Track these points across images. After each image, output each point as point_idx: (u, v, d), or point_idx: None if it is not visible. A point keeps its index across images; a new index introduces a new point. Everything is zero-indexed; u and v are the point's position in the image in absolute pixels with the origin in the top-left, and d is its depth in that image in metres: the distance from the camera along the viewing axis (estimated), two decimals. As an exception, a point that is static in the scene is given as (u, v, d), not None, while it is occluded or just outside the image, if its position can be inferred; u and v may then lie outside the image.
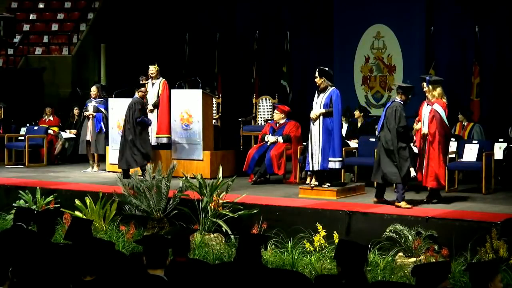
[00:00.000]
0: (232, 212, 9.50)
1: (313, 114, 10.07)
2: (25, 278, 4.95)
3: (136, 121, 11.96)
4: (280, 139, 11.92)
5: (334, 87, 10.12)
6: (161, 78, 12.80)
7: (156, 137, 12.70)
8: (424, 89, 9.71)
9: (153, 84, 12.81)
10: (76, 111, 15.38)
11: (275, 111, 12.42)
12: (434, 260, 7.82)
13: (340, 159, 10.08)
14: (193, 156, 12.22)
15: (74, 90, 16.77)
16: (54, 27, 18.79)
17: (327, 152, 9.99)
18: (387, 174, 9.47)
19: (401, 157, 9.38)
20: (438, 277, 4.94)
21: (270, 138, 11.97)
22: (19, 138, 15.05)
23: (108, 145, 13.32)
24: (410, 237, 8.27)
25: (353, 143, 12.33)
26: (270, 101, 14.85)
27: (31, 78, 17.31)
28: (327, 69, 10.22)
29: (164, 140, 12.65)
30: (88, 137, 13.45)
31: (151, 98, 12.80)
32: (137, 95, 12.18)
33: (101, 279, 5.09)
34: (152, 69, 12.73)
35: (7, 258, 5.13)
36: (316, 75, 10.10)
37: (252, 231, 9.15)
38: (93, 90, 13.70)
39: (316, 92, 10.18)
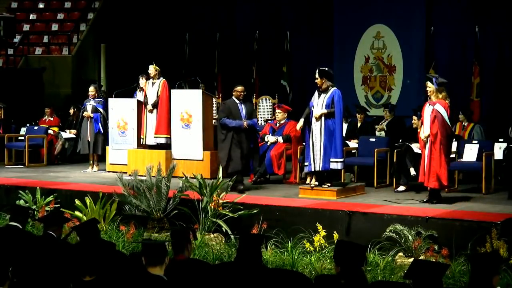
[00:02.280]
0: (232, 212, 9.50)
1: (315, 114, 10.05)
2: (25, 278, 4.96)
3: (220, 123, 10.91)
4: (280, 139, 11.91)
5: (335, 88, 10.11)
6: (161, 78, 12.79)
7: (154, 137, 12.70)
8: (428, 89, 9.69)
9: (153, 84, 12.81)
10: (72, 110, 15.38)
11: (278, 110, 12.39)
12: (434, 260, 7.83)
13: (342, 159, 10.09)
14: (193, 156, 12.22)
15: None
16: (54, 27, 18.80)
17: (329, 153, 9.99)
18: None
19: None
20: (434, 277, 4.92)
21: (270, 138, 11.97)
22: (19, 138, 15.05)
23: (108, 145, 13.33)
24: (410, 237, 8.27)
25: (353, 143, 12.33)
26: (270, 101, 14.84)
27: (31, 78, 17.32)
28: (327, 69, 10.20)
29: (162, 140, 12.64)
30: (88, 138, 13.47)
31: (151, 98, 12.79)
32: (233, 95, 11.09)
33: (101, 279, 5.10)
34: (151, 69, 12.72)
35: (7, 258, 5.13)
36: (317, 76, 10.08)
37: (252, 231, 9.16)
38: (91, 90, 13.62)
39: (316, 93, 10.17)
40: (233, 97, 11.02)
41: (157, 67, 12.74)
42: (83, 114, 13.57)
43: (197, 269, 5.86)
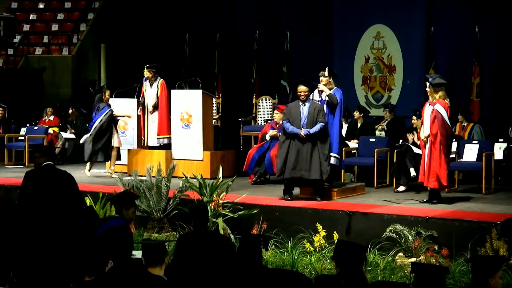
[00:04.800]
0: (232, 212, 9.50)
1: (318, 86, 10.02)
2: (26, 278, 4.96)
3: (282, 126, 10.10)
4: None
5: (337, 88, 10.17)
6: (159, 79, 12.78)
7: (158, 138, 12.68)
8: (427, 89, 9.70)
9: (151, 85, 12.79)
10: (71, 111, 15.33)
11: (276, 111, 12.40)
12: (434, 260, 7.84)
13: (337, 155, 10.04)
14: (193, 156, 12.22)
15: (87, 90, 16.59)
16: (54, 27, 18.80)
17: None
18: None
19: None
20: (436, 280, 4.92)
21: (270, 132, 11.95)
22: (19, 138, 15.05)
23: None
24: (410, 237, 8.28)
25: (353, 143, 12.33)
26: (270, 101, 14.85)
27: (31, 78, 17.32)
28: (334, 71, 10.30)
29: (166, 141, 12.63)
30: (117, 144, 12.48)
31: (151, 99, 12.78)
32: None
33: (101, 279, 5.10)
34: (145, 72, 12.69)
35: (8, 260, 5.14)
36: (326, 74, 10.10)
37: (252, 231, 9.16)
38: (108, 93, 12.57)
39: (318, 92, 10.18)
40: (298, 99, 9.99)
41: (147, 71, 12.62)
42: (122, 116, 12.57)
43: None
